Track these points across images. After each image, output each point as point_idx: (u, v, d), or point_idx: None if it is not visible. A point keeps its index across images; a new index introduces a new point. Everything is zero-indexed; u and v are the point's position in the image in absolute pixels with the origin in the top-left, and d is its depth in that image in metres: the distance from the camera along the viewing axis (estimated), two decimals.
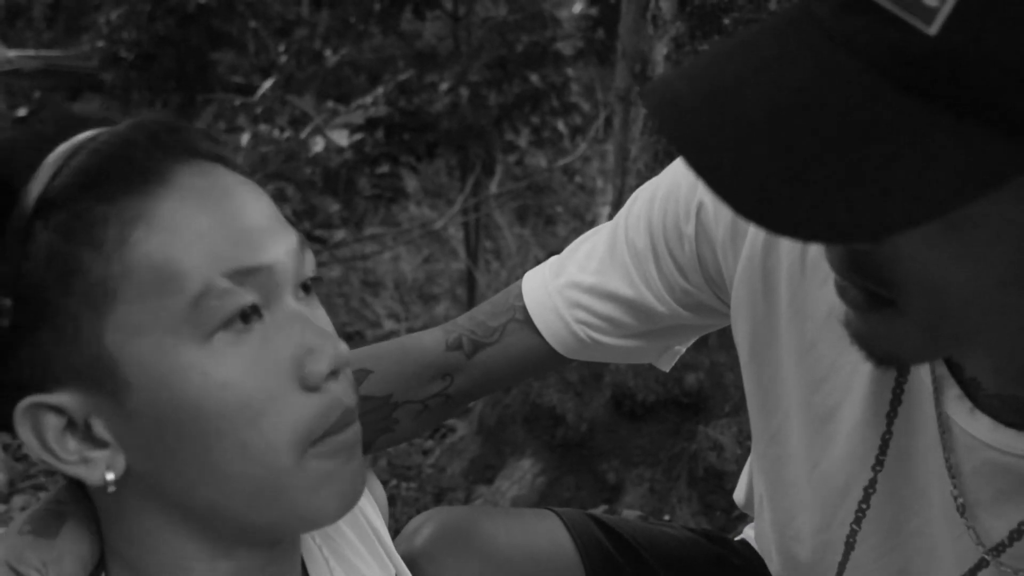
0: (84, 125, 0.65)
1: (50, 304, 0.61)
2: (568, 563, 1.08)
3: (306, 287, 0.69)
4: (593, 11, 4.85)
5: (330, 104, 4.69)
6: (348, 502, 0.68)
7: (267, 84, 4.65)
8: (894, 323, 0.66)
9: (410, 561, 0.92)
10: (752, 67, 0.58)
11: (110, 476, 0.64)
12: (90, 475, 0.65)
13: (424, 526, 1.06)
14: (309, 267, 0.69)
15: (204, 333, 0.62)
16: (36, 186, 0.62)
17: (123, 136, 0.64)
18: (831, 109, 0.55)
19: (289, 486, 0.65)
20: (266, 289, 0.65)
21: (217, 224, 0.63)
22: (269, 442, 0.64)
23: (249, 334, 0.64)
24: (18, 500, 2.98)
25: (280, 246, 0.66)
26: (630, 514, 2.18)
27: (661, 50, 2.47)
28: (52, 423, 0.64)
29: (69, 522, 0.71)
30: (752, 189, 0.55)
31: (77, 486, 0.73)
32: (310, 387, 0.65)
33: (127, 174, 0.62)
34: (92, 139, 0.64)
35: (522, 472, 2.60)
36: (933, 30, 0.52)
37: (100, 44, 5.00)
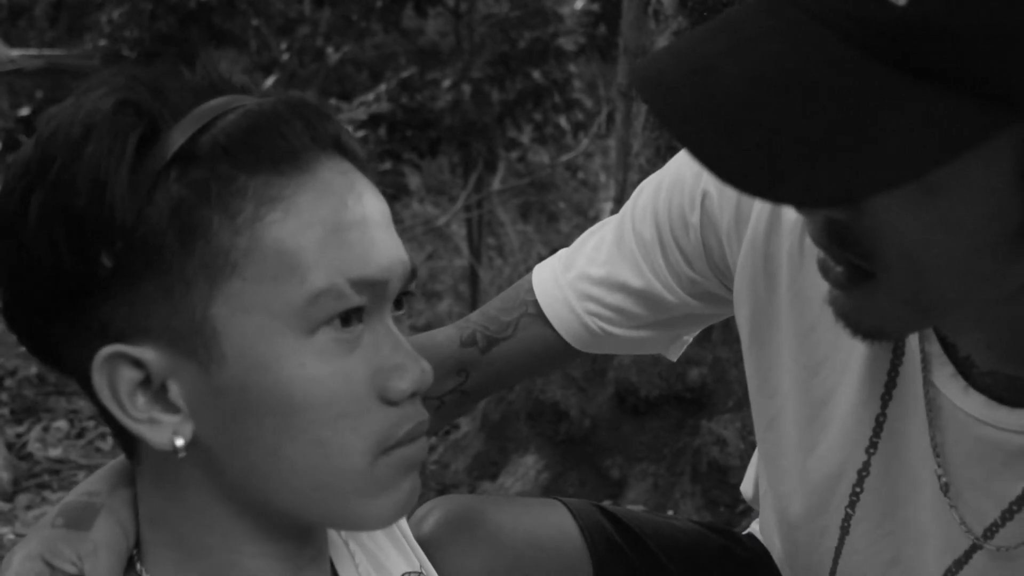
0: (231, 88, 0.65)
1: (164, 258, 0.60)
2: (574, 552, 1.09)
3: (399, 302, 0.70)
4: (595, 7, 4.85)
5: (332, 101, 4.70)
6: (400, 512, 0.69)
7: (269, 82, 4.65)
8: (875, 297, 0.68)
9: None
10: (733, 44, 0.60)
11: (179, 442, 0.63)
12: (156, 437, 0.63)
13: (431, 514, 1.06)
14: (403, 298, 0.70)
15: (311, 328, 0.62)
16: (179, 134, 0.60)
17: (277, 111, 0.62)
18: (809, 79, 0.57)
19: (351, 489, 0.65)
20: (376, 300, 0.66)
21: (349, 227, 0.63)
22: (344, 443, 0.64)
23: (348, 337, 0.64)
24: (22, 499, 2.99)
25: (397, 264, 0.66)
26: (635, 509, 2.18)
27: (663, 45, 2.47)
28: (128, 375, 0.62)
29: (103, 513, 0.70)
30: (733, 155, 0.57)
31: (110, 473, 0.73)
32: (390, 401, 0.66)
33: (276, 152, 0.62)
34: (244, 104, 0.63)
35: (526, 468, 2.60)
36: (901, 1, 0.54)
37: (102, 43, 5.01)
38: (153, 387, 0.63)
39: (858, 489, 0.88)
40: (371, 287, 0.64)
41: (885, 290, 0.67)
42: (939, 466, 0.82)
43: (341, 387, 0.63)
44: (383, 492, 0.66)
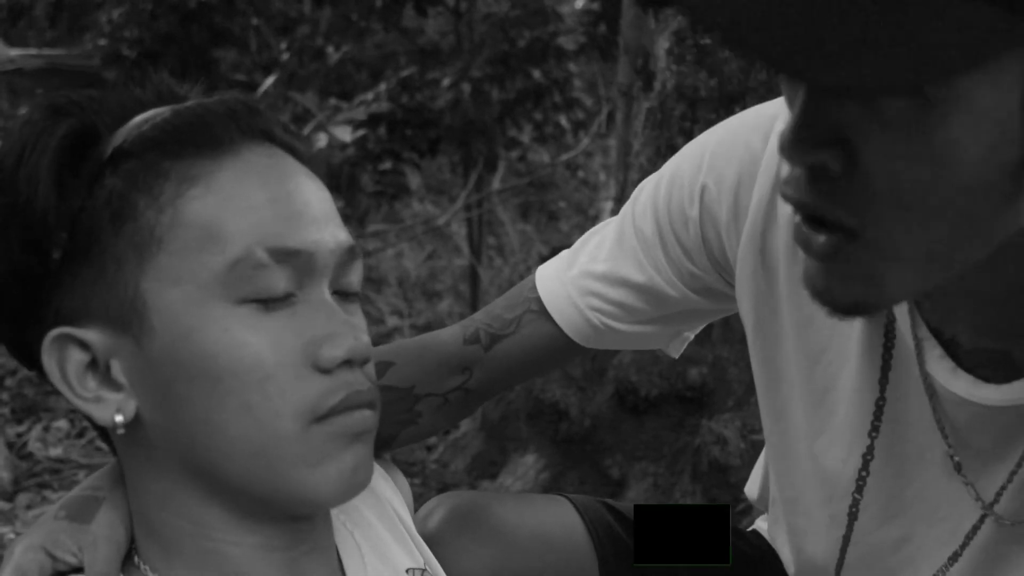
0: (178, 100, 0.70)
1: (99, 243, 0.65)
2: (580, 547, 1.09)
3: (346, 294, 0.72)
4: (595, 6, 4.84)
5: (332, 101, 4.70)
6: (346, 486, 0.69)
7: (269, 81, 4.66)
8: (860, 260, 0.67)
9: None
10: None
11: (119, 418, 0.66)
12: (101, 414, 0.67)
13: (436, 510, 1.06)
14: (354, 275, 0.72)
15: (234, 297, 0.65)
16: (117, 138, 0.66)
17: (206, 106, 0.68)
18: None
19: (286, 455, 0.66)
20: (302, 274, 0.67)
21: (270, 201, 0.67)
22: (273, 407, 0.65)
23: (277, 307, 0.67)
24: (23, 498, 2.99)
25: (326, 238, 0.69)
26: None
27: (663, 44, 2.47)
28: (75, 357, 0.67)
29: (104, 507, 0.72)
30: (779, 43, 0.57)
31: (113, 470, 0.75)
32: (322, 368, 0.67)
33: (198, 137, 0.66)
34: (179, 106, 0.69)
35: (526, 468, 2.60)
36: None
37: (102, 43, 5.01)
38: (100, 368, 0.67)
39: (864, 473, 0.89)
40: (293, 258, 0.66)
41: (870, 249, 0.66)
42: (949, 445, 0.83)
43: (267, 352, 0.65)
44: (322, 461, 0.67)
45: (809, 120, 0.64)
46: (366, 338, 0.69)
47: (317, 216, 0.69)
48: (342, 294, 0.71)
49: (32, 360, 0.69)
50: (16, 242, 0.66)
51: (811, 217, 0.69)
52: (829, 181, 0.65)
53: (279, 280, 0.66)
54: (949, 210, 0.64)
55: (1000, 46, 0.57)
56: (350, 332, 0.68)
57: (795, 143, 0.65)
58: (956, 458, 0.83)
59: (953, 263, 0.69)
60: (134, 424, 0.67)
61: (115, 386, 0.67)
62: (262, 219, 0.66)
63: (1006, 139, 0.61)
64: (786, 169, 0.69)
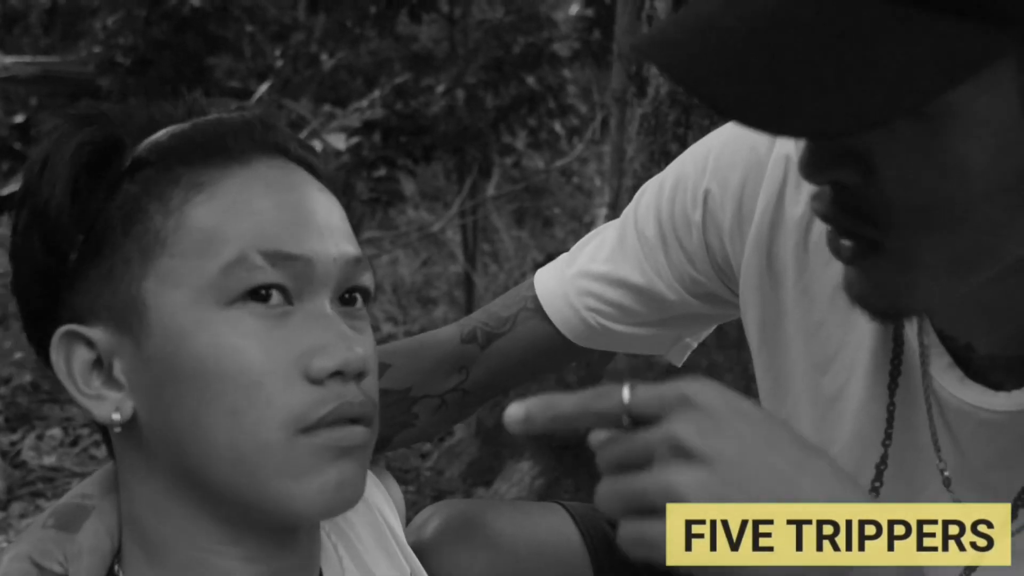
0: (206, 114, 0.72)
1: (110, 244, 0.67)
2: (575, 556, 1.08)
3: (351, 299, 0.71)
4: (589, 12, 4.85)
5: (327, 108, 4.69)
6: (328, 501, 0.68)
7: (263, 88, 4.66)
8: (885, 269, 0.68)
9: (417, 553, 0.92)
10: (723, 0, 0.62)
11: (116, 416, 0.67)
12: (99, 411, 0.68)
13: (431, 519, 1.05)
14: (360, 281, 0.71)
15: (226, 299, 0.65)
16: (140, 148, 0.68)
17: (223, 119, 0.70)
18: (808, 18, 0.58)
19: (269, 464, 0.65)
20: (301, 281, 0.67)
21: (273, 208, 0.67)
22: (259, 414, 0.65)
23: (271, 315, 0.66)
24: (16, 507, 2.98)
25: (329, 248, 0.69)
26: None
27: None
28: (81, 355, 0.68)
29: (92, 517, 0.72)
30: (743, 94, 0.58)
31: (104, 476, 0.75)
32: (312, 379, 0.66)
33: (209, 147, 0.68)
34: (200, 118, 0.70)
35: (520, 474, 2.60)
36: None
37: (97, 50, 5.01)
38: (104, 366, 0.68)
39: (877, 484, 0.88)
40: (290, 264, 0.66)
41: (894, 259, 0.67)
42: (940, 459, 0.82)
43: (257, 358, 0.65)
44: (305, 474, 0.66)
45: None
46: (362, 351, 0.68)
47: (321, 226, 0.69)
48: (347, 306, 0.71)
49: (49, 357, 0.70)
50: (37, 242, 0.68)
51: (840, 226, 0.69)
52: (850, 194, 0.65)
53: (270, 279, 0.66)
54: (968, 218, 0.64)
55: (986, 58, 0.57)
56: (344, 343, 0.67)
57: (812, 162, 0.65)
58: (946, 473, 0.82)
59: (982, 267, 0.69)
60: (130, 425, 0.68)
61: (116, 385, 0.68)
62: (261, 224, 0.66)
63: (1009, 144, 0.61)
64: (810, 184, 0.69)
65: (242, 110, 0.75)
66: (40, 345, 0.71)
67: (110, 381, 0.68)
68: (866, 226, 0.66)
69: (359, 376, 0.68)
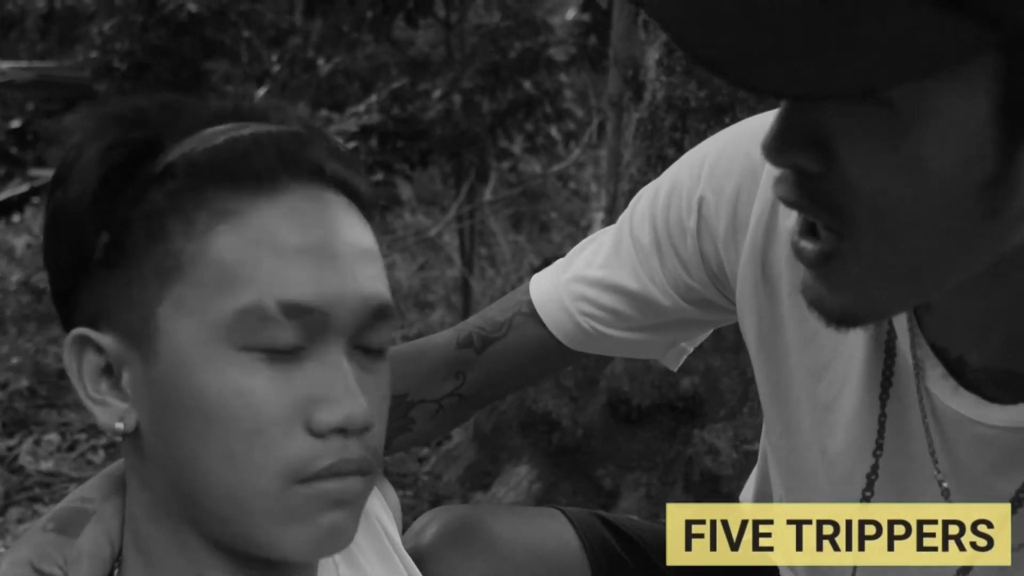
0: (255, 116, 0.69)
1: (131, 256, 0.65)
2: (574, 561, 1.08)
3: (369, 350, 0.69)
4: (585, 17, 4.86)
5: (324, 112, 4.70)
6: (317, 548, 0.67)
7: (260, 93, 4.65)
8: (847, 269, 0.67)
9: (416, 559, 0.91)
10: None
11: (119, 426, 0.67)
12: (104, 417, 0.67)
13: (430, 524, 1.05)
14: (377, 338, 0.69)
15: (238, 343, 0.64)
16: (174, 152, 0.66)
17: (258, 137, 0.67)
18: None
19: (262, 511, 0.65)
20: (315, 331, 0.65)
21: (296, 250, 0.64)
22: (256, 461, 0.64)
23: (282, 359, 0.65)
24: (14, 512, 2.98)
25: (349, 295, 0.66)
26: (632, 517, 2.18)
27: (653, 55, 2.48)
28: (92, 360, 0.67)
29: (92, 521, 0.71)
30: (710, 38, 0.58)
31: (105, 480, 0.75)
32: (313, 432, 0.65)
33: (240, 170, 0.65)
34: (237, 129, 0.67)
35: (518, 478, 2.60)
36: None
37: (93, 55, 5.01)
38: (114, 374, 0.67)
39: (868, 493, 0.88)
40: (305, 314, 0.64)
41: (856, 257, 0.66)
42: (938, 471, 0.82)
43: (260, 404, 0.64)
44: (295, 522, 0.65)
45: (789, 122, 0.64)
46: (368, 407, 0.66)
47: (345, 270, 0.66)
48: (364, 350, 0.69)
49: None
50: (60, 237, 0.68)
51: (804, 226, 0.69)
52: (811, 181, 0.65)
53: (287, 335, 0.64)
54: (927, 223, 0.63)
55: (961, 53, 0.57)
56: (351, 400, 0.65)
57: (774, 144, 0.65)
58: (944, 484, 0.82)
59: (943, 278, 0.68)
60: (135, 434, 0.68)
61: (123, 395, 0.67)
62: (282, 268, 0.64)
63: (977, 154, 0.60)
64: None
65: (281, 112, 0.71)
66: (67, 329, 0.71)
67: (117, 389, 0.67)
68: (825, 214, 0.66)
69: (362, 431, 0.66)
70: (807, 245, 0.68)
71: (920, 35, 0.56)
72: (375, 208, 0.73)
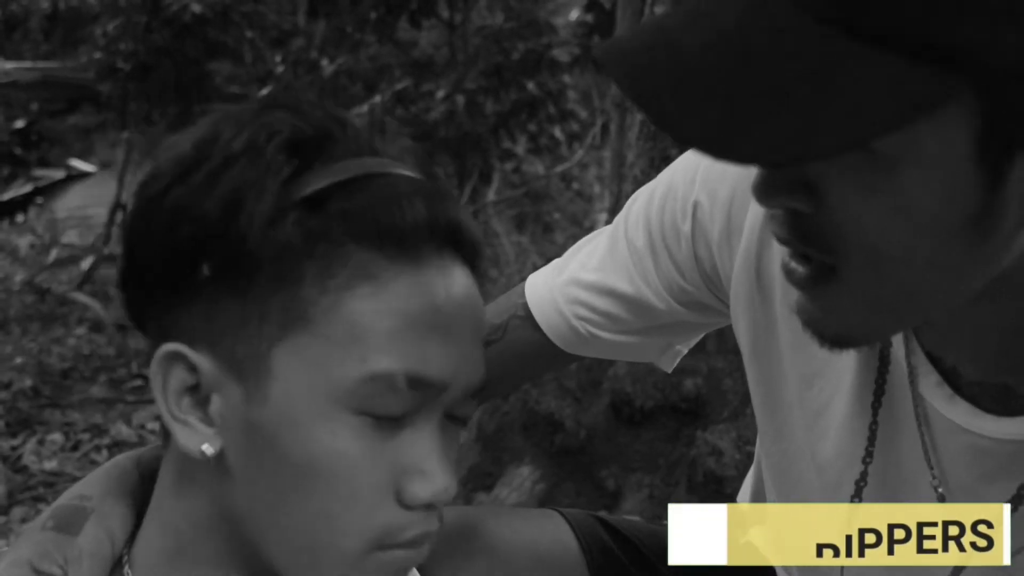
0: (389, 152, 0.66)
1: (254, 286, 0.62)
2: (572, 563, 1.08)
3: (455, 419, 0.69)
4: (589, 18, 4.86)
5: None
6: None
7: (264, 94, 4.65)
8: (839, 296, 0.68)
9: None
10: (689, 18, 0.62)
11: (206, 450, 0.64)
12: (185, 440, 0.64)
13: None
14: (467, 410, 0.69)
15: (356, 407, 0.63)
16: (319, 181, 0.62)
17: (410, 194, 0.64)
18: (762, 45, 0.58)
19: (334, 569, 0.65)
20: (426, 401, 0.65)
21: (430, 324, 0.64)
22: (349, 525, 0.64)
23: (385, 426, 0.64)
24: (17, 511, 2.98)
25: (465, 373, 0.66)
26: (631, 519, 2.18)
27: None
28: (180, 376, 0.64)
29: (91, 519, 0.71)
30: (690, 116, 0.58)
31: (103, 476, 0.74)
32: (403, 504, 0.65)
33: (388, 233, 0.63)
34: (392, 175, 0.64)
35: (521, 479, 2.60)
36: None
37: (97, 56, 5.02)
38: (200, 395, 0.64)
39: (856, 500, 0.88)
40: (427, 388, 0.64)
41: (848, 287, 0.67)
42: (934, 477, 0.82)
43: (363, 469, 0.64)
44: None
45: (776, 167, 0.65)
46: (454, 485, 0.66)
47: (465, 350, 0.66)
48: (451, 418, 0.68)
49: (137, 320, 0.67)
50: (179, 242, 0.63)
51: (796, 251, 0.69)
52: (802, 219, 0.66)
53: (406, 404, 0.64)
54: (917, 257, 0.64)
55: (935, 100, 0.57)
56: (444, 476, 0.65)
57: (762, 188, 0.66)
58: (940, 490, 0.82)
59: (935, 305, 0.69)
60: (214, 457, 0.65)
61: (208, 419, 0.65)
62: (415, 341, 0.63)
63: (961, 189, 0.61)
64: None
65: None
66: (130, 309, 0.68)
67: (202, 412, 0.65)
68: (815, 249, 0.67)
69: (445, 504, 0.67)
70: (798, 268, 0.69)
71: (893, 87, 0.56)
72: (482, 261, 0.72)
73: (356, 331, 0.62)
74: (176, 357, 0.64)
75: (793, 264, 0.69)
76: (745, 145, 0.57)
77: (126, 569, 0.70)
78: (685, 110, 0.58)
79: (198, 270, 0.62)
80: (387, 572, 0.66)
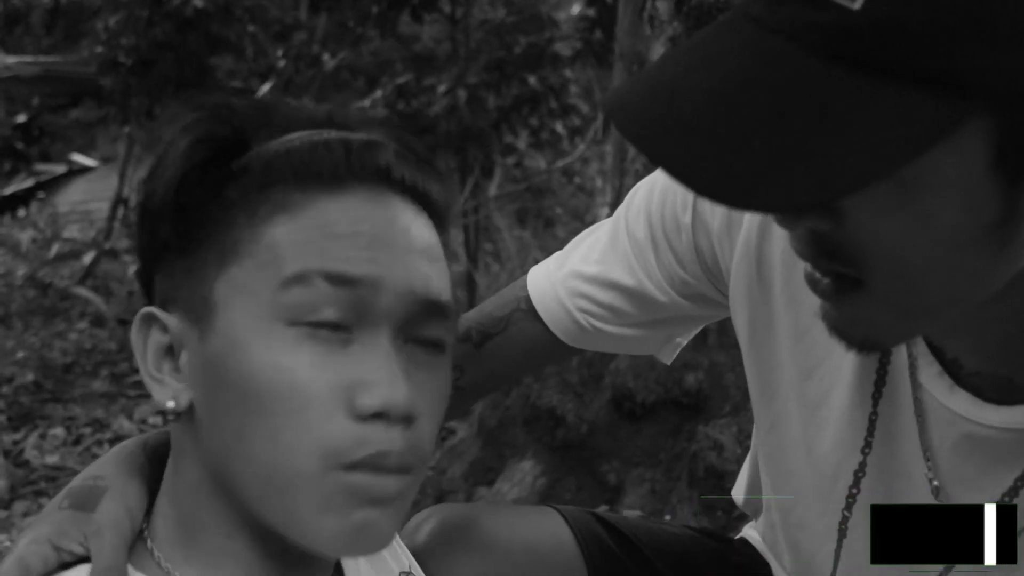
0: (349, 123, 0.71)
1: (198, 242, 0.68)
2: (570, 559, 1.09)
3: (425, 345, 0.69)
4: (590, 12, 4.86)
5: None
6: (346, 545, 0.67)
7: (265, 88, 4.66)
8: (865, 306, 0.68)
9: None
10: (694, 64, 0.62)
11: (171, 405, 0.69)
12: (158, 395, 0.70)
13: (426, 522, 1.06)
14: (430, 332, 0.69)
15: (286, 318, 0.65)
16: (256, 153, 0.69)
17: (329, 142, 0.69)
18: (770, 87, 0.58)
19: (299, 492, 0.65)
20: (360, 310, 0.66)
21: (350, 233, 0.66)
22: (296, 441, 0.64)
23: (331, 340, 0.66)
24: (19, 506, 2.99)
25: (398, 276, 0.67)
26: (631, 514, 2.18)
27: (658, 50, 2.48)
28: (156, 338, 0.70)
29: (107, 495, 0.72)
30: (705, 167, 0.58)
31: (116, 457, 0.76)
32: (354, 415, 0.65)
33: (304, 169, 0.68)
34: (320, 134, 0.70)
35: (522, 474, 2.60)
36: (857, 5, 0.56)
37: (99, 50, 5.01)
38: (176, 354, 0.69)
39: (855, 490, 0.89)
40: (351, 288, 0.65)
41: (873, 297, 0.67)
42: (929, 469, 0.83)
43: (303, 381, 0.64)
44: (329, 511, 0.65)
45: None
46: (409, 393, 0.65)
47: (396, 256, 0.67)
48: (418, 343, 0.69)
49: (150, 298, 0.73)
50: (147, 224, 0.71)
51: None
52: (825, 238, 0.66)
53: (331, 308, 0.65)
54: (941, 266, 0.65)
55: (952, 125, 0.57)
56: (392, 384, 0.65)
57: (785, 215, 0.66)
58: (935, 482, 0.83)
59: (957, 308, 0.70)
60: (187, 414, 0.69)
61: (181, 376, 0.69)
62: (332, 246, 0.66)
63: (980, 201, 0.61)
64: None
65: (372, 121, 0.73)
66: (151, 297, 0.74)
67: (176, 370, 0.70)
68: (840, 265, 0.67)
69: (406, 420, 0.66)
70: (822, 280, 0.69)
71: (907, 118, 0.56)
72: (447, 215, 0.73)
73: (275, 249, 0.66)
74: (150, 319, 0.70)
75: (817, 275, 0.69)
76: (768, 194, 0.57)
77: (148, 543, 0.72)
78: (701, 163, 0.58)
79: (163, 247, 0.70)
80: (355, 500, 0.65)
